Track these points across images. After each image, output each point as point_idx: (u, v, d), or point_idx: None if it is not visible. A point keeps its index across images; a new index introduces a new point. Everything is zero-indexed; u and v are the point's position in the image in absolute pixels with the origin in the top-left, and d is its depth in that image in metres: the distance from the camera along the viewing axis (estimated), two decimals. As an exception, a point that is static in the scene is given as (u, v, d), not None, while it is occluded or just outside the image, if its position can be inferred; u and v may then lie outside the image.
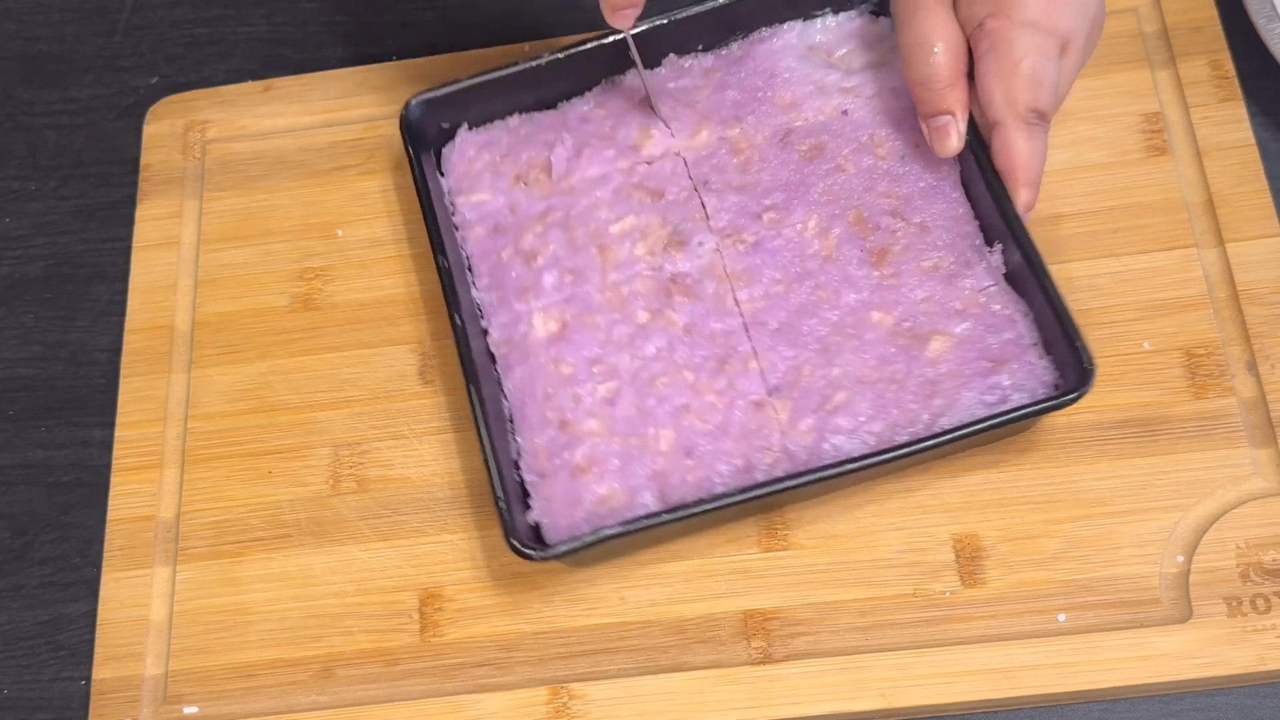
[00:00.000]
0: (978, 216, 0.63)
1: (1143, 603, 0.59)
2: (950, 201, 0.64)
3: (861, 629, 0.60)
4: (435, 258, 0.64)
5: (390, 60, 0.77)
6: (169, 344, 0.70)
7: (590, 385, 0.62)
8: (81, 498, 0.68)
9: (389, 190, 0.72)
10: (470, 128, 0.69)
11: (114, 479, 0.67)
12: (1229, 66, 0.69)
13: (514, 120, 0.69)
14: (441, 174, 0.69)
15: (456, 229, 0.67)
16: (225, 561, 0.65)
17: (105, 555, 0.65)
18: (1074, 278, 0.65)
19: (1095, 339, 0.64)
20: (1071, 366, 0.58)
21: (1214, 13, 0.70)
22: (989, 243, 0.62)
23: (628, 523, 0.57)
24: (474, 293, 0.65)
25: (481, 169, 0.68)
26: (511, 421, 0.62)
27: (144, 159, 0.75)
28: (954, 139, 0.62)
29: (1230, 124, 0.67)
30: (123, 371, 0.69)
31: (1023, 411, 0.58)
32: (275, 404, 0.68)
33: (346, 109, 0.74)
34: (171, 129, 0.76)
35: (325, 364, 0.68)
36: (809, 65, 0.68)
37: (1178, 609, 0.59)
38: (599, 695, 0.60)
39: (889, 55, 0.67)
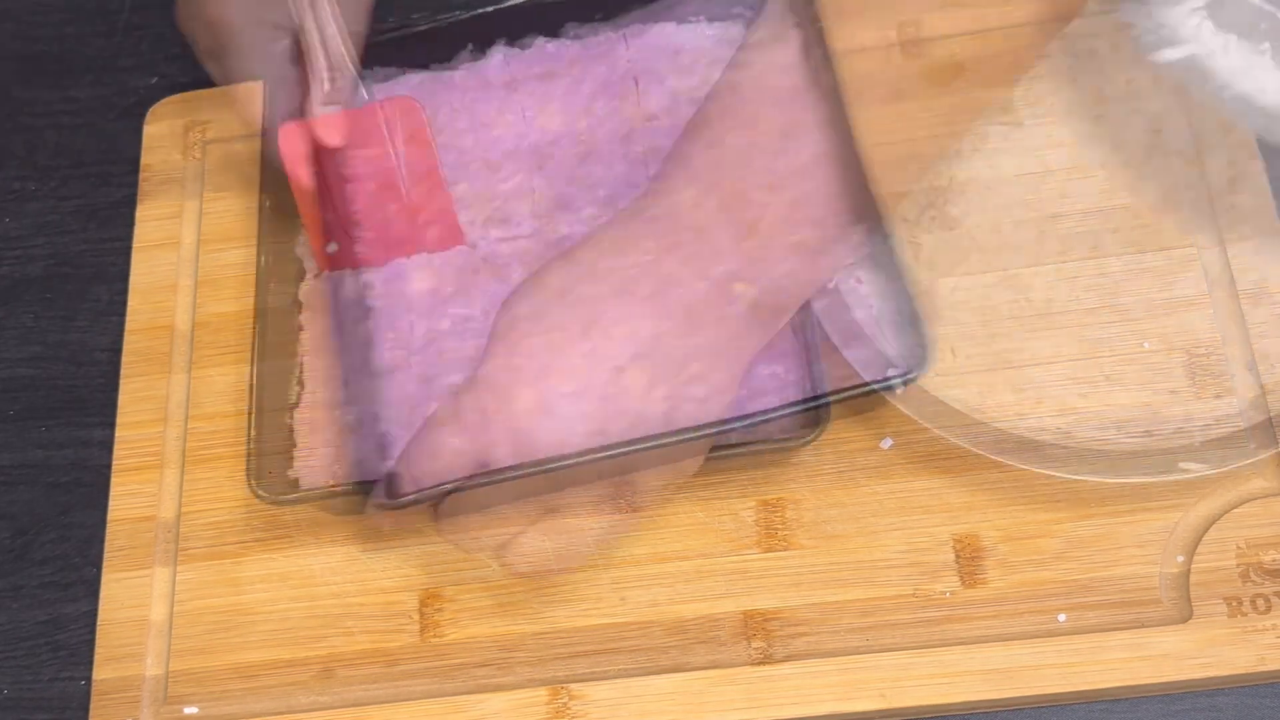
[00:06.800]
0: (846, 196, 0.63)
1: (1143, 603, 0.59)
2: (822, 180, 0.64)
3: (862, 629, 0.60)
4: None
5: (390, 60, 0.77)
6: (169, 344, 0.70)
7: (457, 341, 0.63)
8: (81, 498, 0.68)
9: (389, 190, 0.72)
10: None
11: (114, 479, 0.67)
12: (1229, 66, 0.69)
13: (414, 78, 0.70)
14: None
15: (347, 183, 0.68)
16: (225, 562, 0.65)
17: (105, 555, 0.65)
18: (1074, 277, 0.65)
19: (1095, 339, 0.64)
20: (915, 349, 0.59)
21: (1214, 13, 0.70)
22: (855, 223, 0.63)
23: (468, 477, 0.58)
24: (358, 246, 0.66)
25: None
26: (382, 374, 0.63)
27: (144, 159, 0.75)
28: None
29: (1229, 123, 0.67)
30: (123, 371, 0.69)
31: (867, 388, 0.59)
32: (275, 404, 0.68)
33: (346, 109, 0.74)
34: (171, 129, 0.75)
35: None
36: (683, 55, 0.68)
37: (1178, 609, 0.59)
38: (599, 696, 0.60)
39: (773, 40, 0.67)
